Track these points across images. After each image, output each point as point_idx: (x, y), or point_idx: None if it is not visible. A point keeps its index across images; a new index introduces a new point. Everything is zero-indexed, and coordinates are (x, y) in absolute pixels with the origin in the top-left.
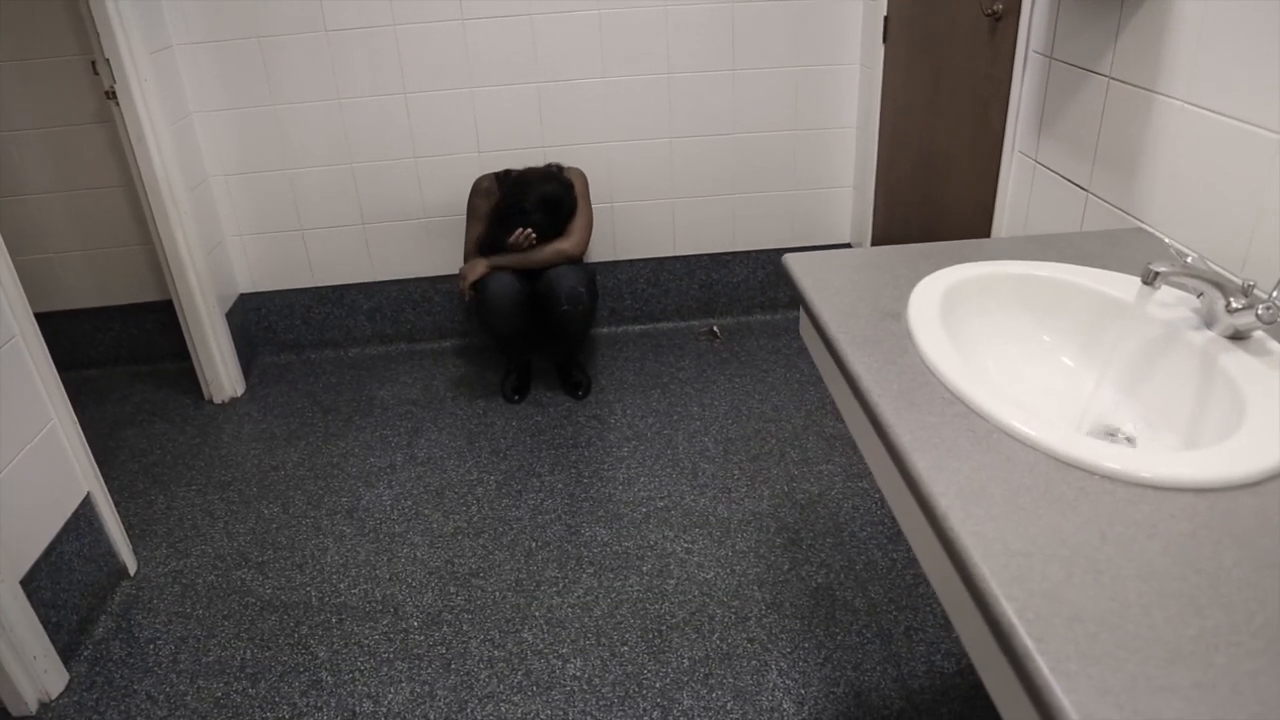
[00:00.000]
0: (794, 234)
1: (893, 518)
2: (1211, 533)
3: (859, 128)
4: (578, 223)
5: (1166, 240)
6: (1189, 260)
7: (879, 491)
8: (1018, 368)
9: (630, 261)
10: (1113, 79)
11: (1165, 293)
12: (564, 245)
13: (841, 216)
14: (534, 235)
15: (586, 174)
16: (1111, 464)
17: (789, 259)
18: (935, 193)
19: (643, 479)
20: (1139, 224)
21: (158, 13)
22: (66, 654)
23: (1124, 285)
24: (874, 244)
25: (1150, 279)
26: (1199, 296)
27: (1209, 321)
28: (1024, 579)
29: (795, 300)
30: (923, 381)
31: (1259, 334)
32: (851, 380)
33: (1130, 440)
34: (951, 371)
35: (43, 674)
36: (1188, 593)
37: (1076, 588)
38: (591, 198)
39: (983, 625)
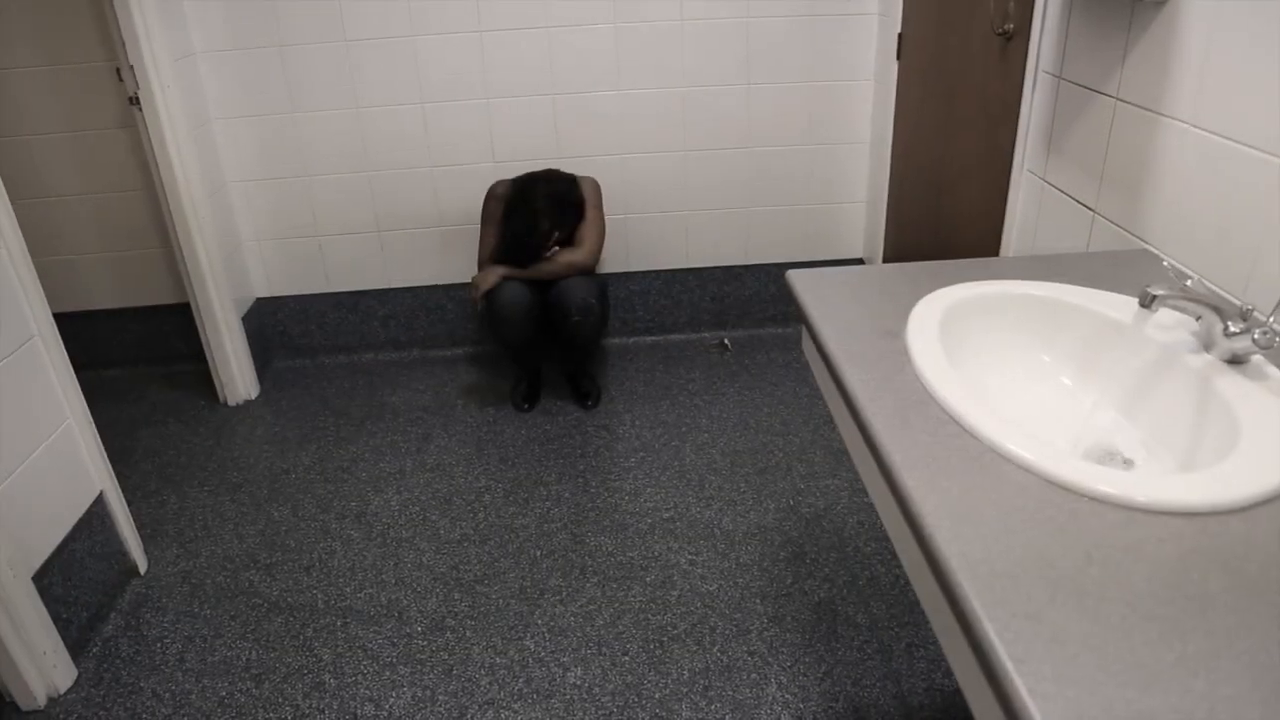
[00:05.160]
0: (806, 248)
1: None
2: (1200, 558)
3: (872, 143)
4: (589, 232)
5: (1166, 263)
6: (1188, 283)
7: None
8: (1018, 387)
9: (643, 273)
10: (1120, 100)
11: (1165, 315)
12: (575, 257)
13: (854, 231)
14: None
15: (601, 184)
16: (1103, 486)
17: (792, 275)
18: (946, 209)
19: (649, 490)
20: (1144, 245)
21: (181, 21)
22: (76, 650)
23: (1123, 307)
24: (886, 260)
25: (1147, 302)
26: (1198, 320)
27: (1207, 345)
28: (1008, 600)
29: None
30: (918, 400)
31: (1257, 358)
32: (847, 397)
33: (1128, 463)
34: (946, 390)
35: (52, 669)
36: (1172, 617)
37: (1060, 610)
38: (605, 209)
39: (965, 645)
